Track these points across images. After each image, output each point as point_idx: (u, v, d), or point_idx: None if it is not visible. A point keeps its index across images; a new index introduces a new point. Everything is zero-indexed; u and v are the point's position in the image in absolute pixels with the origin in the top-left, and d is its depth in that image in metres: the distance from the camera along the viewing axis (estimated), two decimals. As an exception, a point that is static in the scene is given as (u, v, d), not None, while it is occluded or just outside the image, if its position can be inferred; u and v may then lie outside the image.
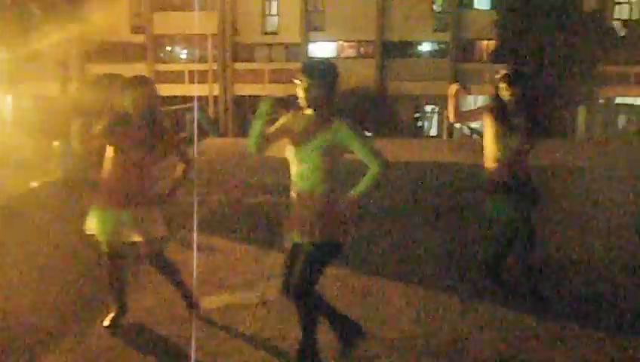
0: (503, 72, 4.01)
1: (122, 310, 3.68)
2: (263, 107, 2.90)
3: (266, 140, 3.00)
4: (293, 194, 3.01)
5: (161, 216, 3.59)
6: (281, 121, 3.04)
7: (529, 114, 3.98)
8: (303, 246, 2.94)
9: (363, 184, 2.90)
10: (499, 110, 4.01)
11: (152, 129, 3.49)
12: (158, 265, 3.68)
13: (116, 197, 3.48)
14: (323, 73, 2.87)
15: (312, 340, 3.07)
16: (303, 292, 2.94)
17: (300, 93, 2.88)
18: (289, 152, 2.97)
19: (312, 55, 28.06)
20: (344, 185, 2.98)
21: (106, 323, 3.62)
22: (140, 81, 3.51)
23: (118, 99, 3.48)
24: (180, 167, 3.66)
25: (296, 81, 2.88)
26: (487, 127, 4.08)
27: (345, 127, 2.86)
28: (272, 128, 3.03)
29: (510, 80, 3.94)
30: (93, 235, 3.57)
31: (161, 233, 3.59)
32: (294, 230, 2.97)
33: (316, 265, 2.94)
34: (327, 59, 3.14)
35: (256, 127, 2.94)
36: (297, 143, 2.92)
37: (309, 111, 2.93)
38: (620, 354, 3.36)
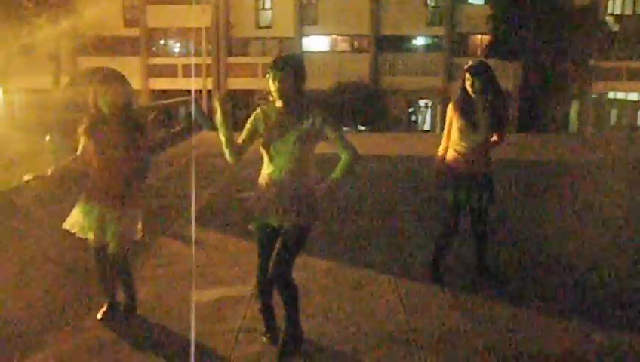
0: (468, 63, 4.04)
1: (115, 303, 3.69)
2: (219, 112, 2.92)
3: (240, 147, 3.06)
4: (265, 181, 3.06)
5: (141, 218, 3.56)
6: (250, 121, 3.10)
7: (493, 108, 4.00)
8: (283, 230, 3.03)
9: (338, 171, 3.04)
10: (464, 103, 4.02)
11: (130, 126, 3.45)
12: (120, 265, 3.59)
13: (99, 195, 3.47)
14: (292, 66, 2.98)
15: (299, 327, 3.15)
16: (288, 277, 3.03)
17: (272, 87, 3.00)
18: (263, 144, 3.06)
19: (307, 49, 28.00)
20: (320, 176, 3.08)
21: (99, 316, 3.63)
22: (111, 78, 3.42)
23: (92, 99, 3.42)
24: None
25: (267, 75, 3.00)
26: (453, 119, 4.09)
27: (317, 116, 3.00)
28: (243, 134, 3.10)
29: (472, 71, 3.96)
30: (74, 232, 3.54)
31: (136, 235, 3.57)
32: (271, 214, 3.04)
33: (296, 249, 3.05)
34: (296, 53, 3.24)
35: (221, 135, 2.98)
36: (272, 135, 3.02)
37: (279, 103, 3.04)
38: (609, 344, 3.40)
